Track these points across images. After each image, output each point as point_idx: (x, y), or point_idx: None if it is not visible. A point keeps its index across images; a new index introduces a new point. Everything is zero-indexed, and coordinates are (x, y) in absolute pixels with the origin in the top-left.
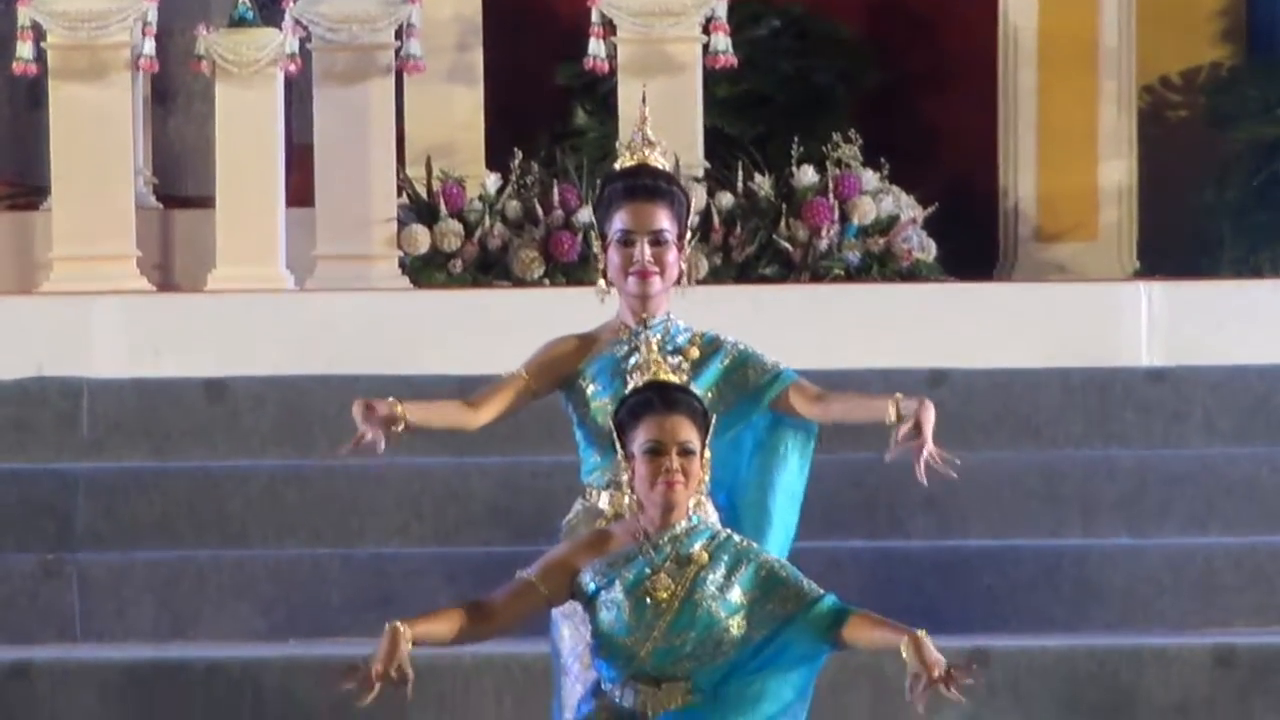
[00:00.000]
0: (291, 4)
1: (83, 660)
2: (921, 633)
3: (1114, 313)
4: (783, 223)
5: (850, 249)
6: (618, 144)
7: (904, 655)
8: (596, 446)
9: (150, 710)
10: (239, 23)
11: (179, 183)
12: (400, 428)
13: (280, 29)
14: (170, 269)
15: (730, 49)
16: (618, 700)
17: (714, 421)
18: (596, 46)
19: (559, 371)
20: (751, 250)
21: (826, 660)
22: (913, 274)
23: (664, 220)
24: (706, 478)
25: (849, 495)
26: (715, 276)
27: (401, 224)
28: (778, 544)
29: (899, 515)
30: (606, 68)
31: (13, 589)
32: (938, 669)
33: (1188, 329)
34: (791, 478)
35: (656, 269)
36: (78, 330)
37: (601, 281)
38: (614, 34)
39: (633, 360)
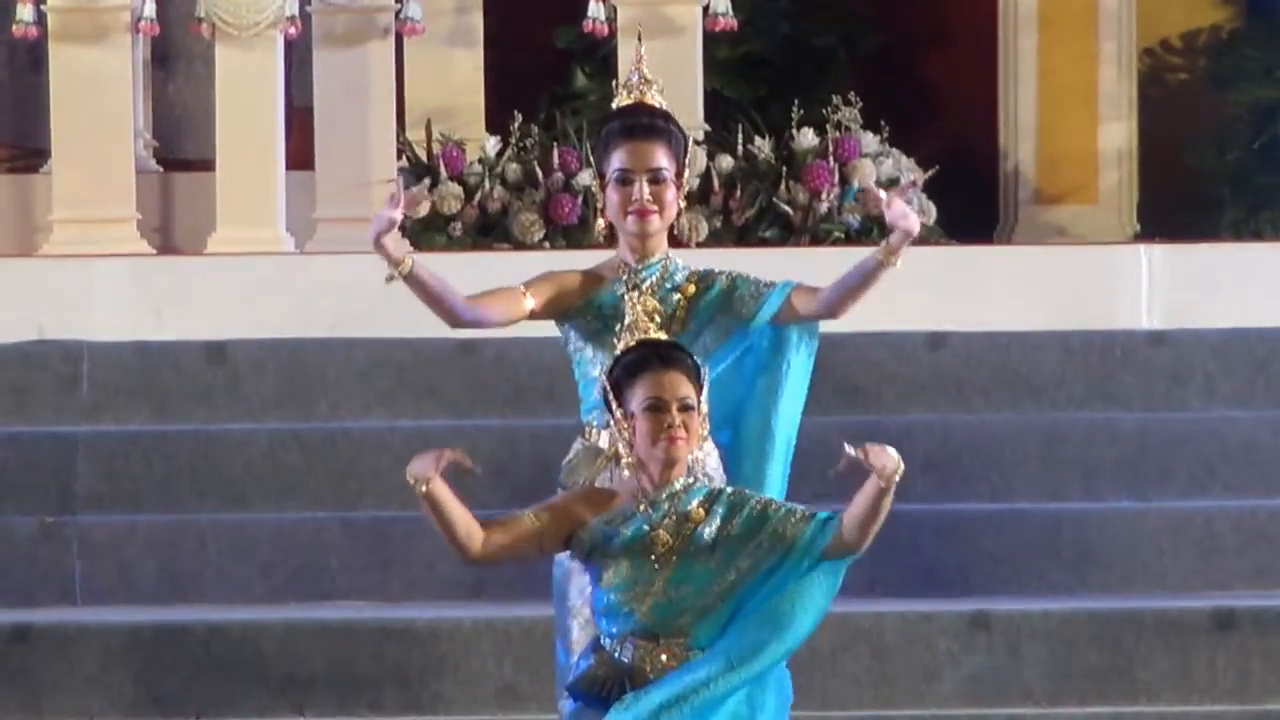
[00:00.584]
0: None
1: (83, 623)
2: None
3: (1114, 275)
4: (783, 185)
5: (850, 212)
6: (614, 84)
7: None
8: (598, 383)
9: (151, 673)
10: None
11: (179, 145)
12: (406, 270)
13: None
14: (170, 232)
15: (730, 11)
16: (617, 656)
17: (708, 368)
18: (596, 9)
19: (561, 303)
20: (751, 213)
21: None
22: None
23: (662, 158)
24: (705, 432)
25: None
26: (715, 239)
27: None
28: (781, 463)
29: (900, 479)
30: (606, 30)
31: (13, 552)
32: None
33: (1188, 291)
34: (794, 401)
35: (655, 207)
36: (78, 293)
37: (601, 222)
38: None
39: (627, 315)
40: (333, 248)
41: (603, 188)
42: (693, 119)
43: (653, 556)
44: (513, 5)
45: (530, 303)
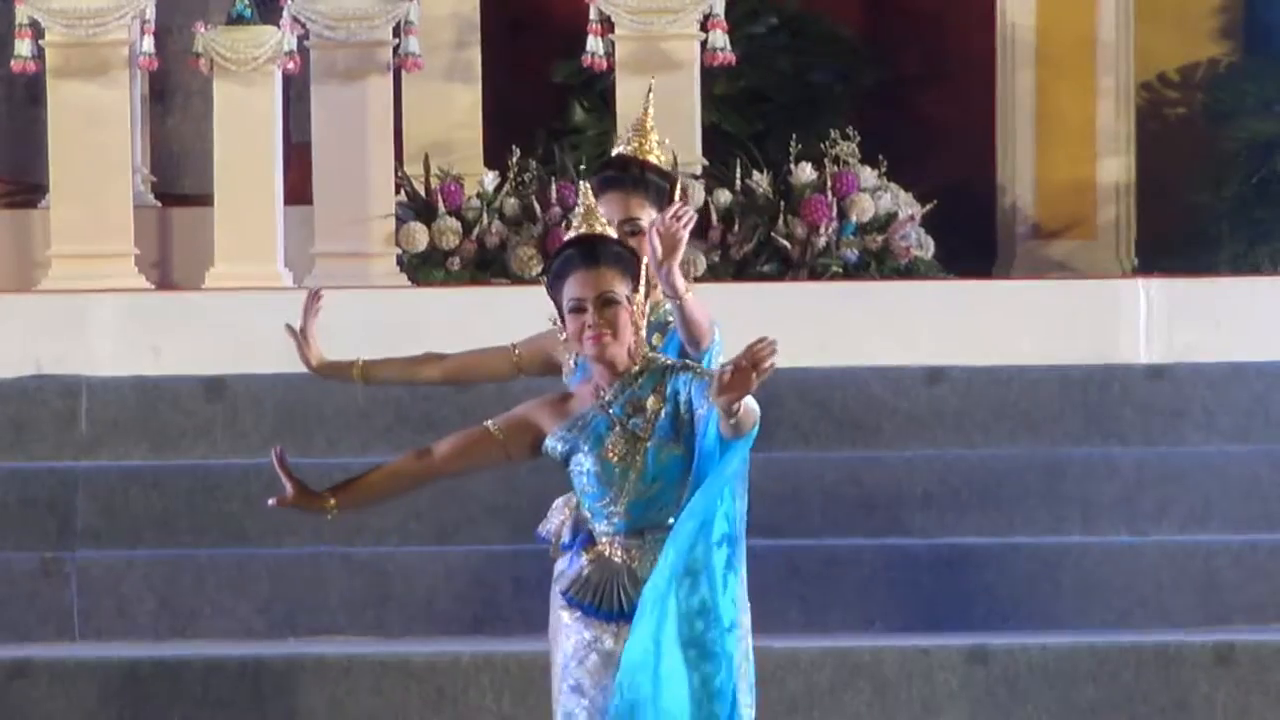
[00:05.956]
0: (289, 1)
1: (82, 659)
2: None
3: (1113, 310)
4: (781, 220)
5: (848, 246)
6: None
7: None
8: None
9: (149, 708)
10: (237, 20)
11: (177, 181)
12: (359, 375)
13: (278, 26)
14: (168, 267)
15: (728, 46)
16: (607, 555)
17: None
18: (595, 44)
19: (550, 356)
20: (750, 248)
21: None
22: (911, 271)
23: (636, 209)
24: (643, 322)
25: (848, 493)
26: (713, 274)
27: (400, 222)
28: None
29: (898, 513)
30: (605, 65)
31: (12, 588)
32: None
33: (1186, 326)
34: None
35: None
36: (76, 328)
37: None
38: (612, 31)
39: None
40: (331, 283)
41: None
42: (691, 153)
43: (620, 456)
44: (511, 41)
45: (518, 358)
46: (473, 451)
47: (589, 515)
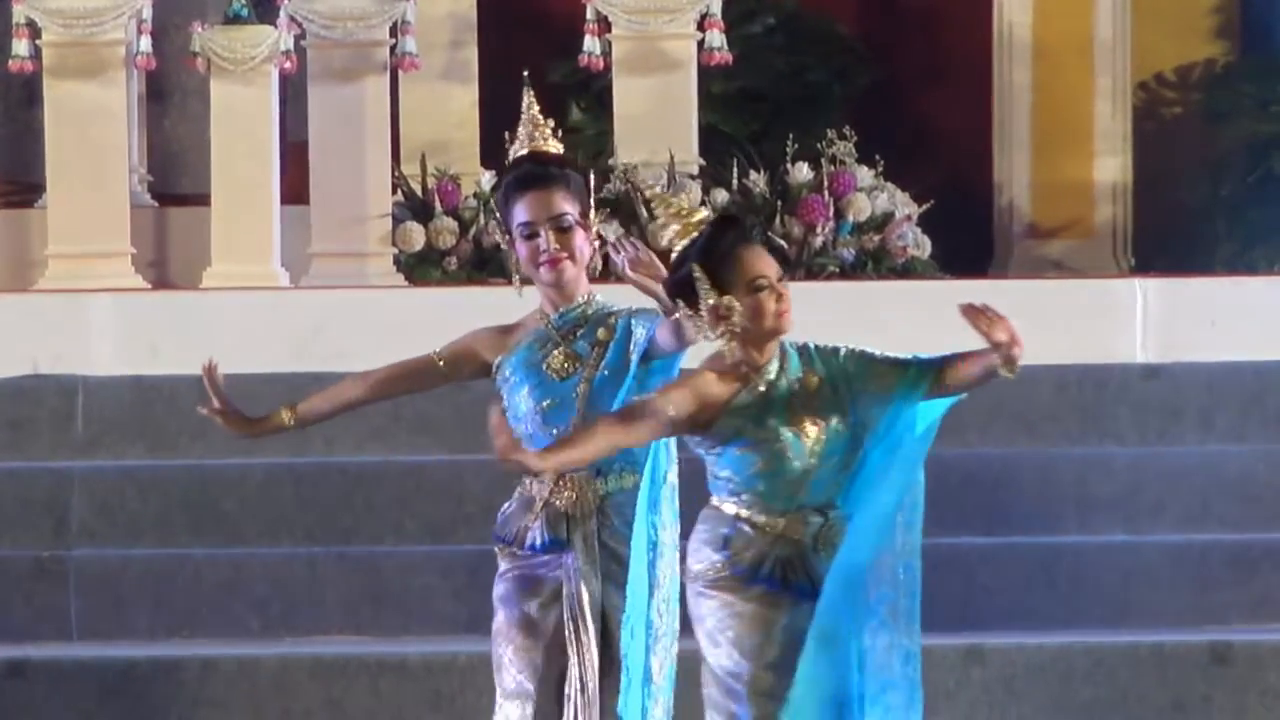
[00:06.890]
0: (286, 1)
1: (79, 658)
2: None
3: (1109, 309)
4: (777, 220)
5: (845, 246)
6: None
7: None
8: (524, 436)
9: (146, 709)
10: (234, 20)
11: (174, 180)
12: (290, 422)
13: (275, 26)
14: (165, 267)
15: (725, 46)
16: (782, 531)
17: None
18: (591, 43)
19: (475, 360)
20: None
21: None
22: (907, 271)
23: (563, 204)
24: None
25: None
26: None
27: (396, 221)
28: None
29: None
30: (601, 65)
31: (9, 587)
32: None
33: (1183, 325)
34: None
35: (565, 254)
36: (73, 328)
37: (516, 278)
38: (609, 31)
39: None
40: (327, 282)
41: (511, 244)
42: (688, 153)
43: (803, 432)
44: (508, 39)
45: (444, 367)
46: (640, 433)
47: (753, 494)
